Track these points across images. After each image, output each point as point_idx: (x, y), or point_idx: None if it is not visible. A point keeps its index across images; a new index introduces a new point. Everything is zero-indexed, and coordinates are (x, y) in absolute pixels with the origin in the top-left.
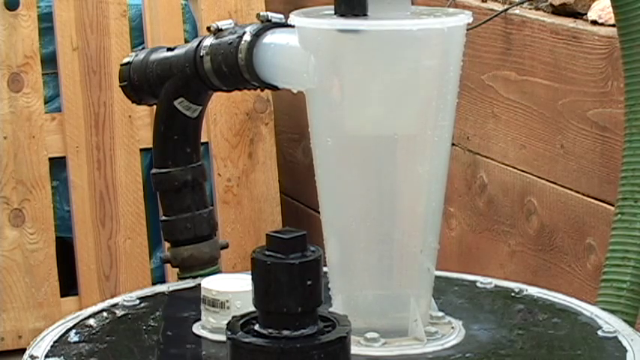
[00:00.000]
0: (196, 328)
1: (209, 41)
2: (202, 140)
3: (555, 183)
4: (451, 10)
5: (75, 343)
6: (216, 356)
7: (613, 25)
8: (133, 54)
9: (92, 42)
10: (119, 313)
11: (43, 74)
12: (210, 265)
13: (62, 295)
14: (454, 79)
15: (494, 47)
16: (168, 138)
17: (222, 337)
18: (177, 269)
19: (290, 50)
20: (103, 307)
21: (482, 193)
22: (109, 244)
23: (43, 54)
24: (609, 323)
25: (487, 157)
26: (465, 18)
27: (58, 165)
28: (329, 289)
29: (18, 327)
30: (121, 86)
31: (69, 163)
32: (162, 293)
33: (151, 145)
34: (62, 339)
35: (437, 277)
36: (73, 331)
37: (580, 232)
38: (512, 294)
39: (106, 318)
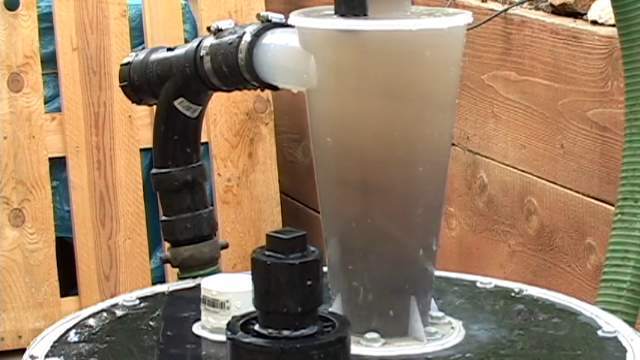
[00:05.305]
0: (196, 328)
1: (209, 41)
2: (202, 140)
3: (555, 183)
4: (451, 10)
5: (75, 343)
6: (216, 356)
7: (613, 25)
8: (133, 54)
9: (92, 42)
10: (119, 313)
11: (43, 74)
12: (210, 265)
13: (62, 295)
14: (454, 79)
15: (494, 47)
16: (169, 138)
17: (222, 338)
18: (177, 269)
19: (290, 50)
20: (103, 307)
21: (482, 193)
22: (109, 244)
23: (43, 54)
24: (609, 323)
25: (487, 157)
26: (465, 18)
27: (58, 165)
28: (329, 289)
29: (18, 327)
30: (121, 86)
31: (69, 163)
32: (163, 293)
33: (151, 145)
34: (62, 339)
35: (437, 277)
36: (73, 331)
37: (580, 232)
38: (512, 294)
39: (106, 318)
